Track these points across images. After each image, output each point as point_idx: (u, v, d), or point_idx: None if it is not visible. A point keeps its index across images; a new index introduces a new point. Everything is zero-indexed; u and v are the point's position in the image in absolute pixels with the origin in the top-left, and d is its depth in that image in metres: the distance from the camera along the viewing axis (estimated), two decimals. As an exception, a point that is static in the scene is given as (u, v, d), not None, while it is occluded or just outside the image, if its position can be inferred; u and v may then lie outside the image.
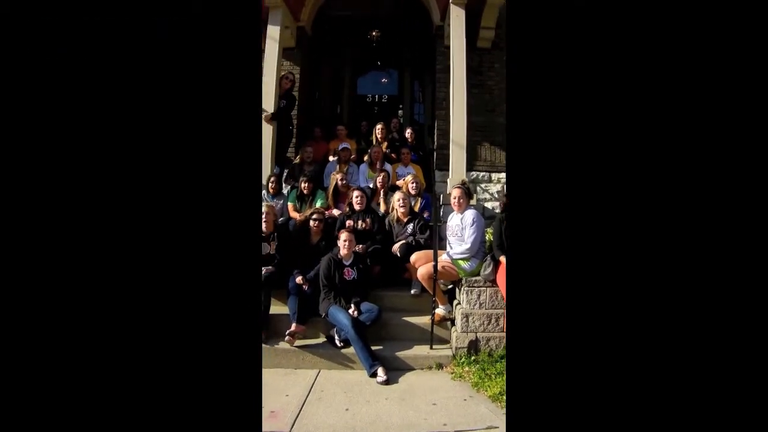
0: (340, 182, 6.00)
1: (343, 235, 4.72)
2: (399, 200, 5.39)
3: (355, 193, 5.48)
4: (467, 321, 4.46)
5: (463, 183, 5.11)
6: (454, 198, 4.88)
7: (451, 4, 6.05)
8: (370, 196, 5.77)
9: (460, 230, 4.76)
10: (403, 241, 5.17)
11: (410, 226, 5.32)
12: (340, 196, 6.01)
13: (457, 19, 6.02)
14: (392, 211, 5.50)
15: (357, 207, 5.41)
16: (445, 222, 5.17)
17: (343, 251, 4.69)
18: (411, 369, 4.24)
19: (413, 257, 4.91)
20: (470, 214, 4.75)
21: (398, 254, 5.07)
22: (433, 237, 4.79)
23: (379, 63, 10.12)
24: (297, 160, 6.78)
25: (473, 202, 5.80)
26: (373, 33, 9.44)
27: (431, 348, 4.45)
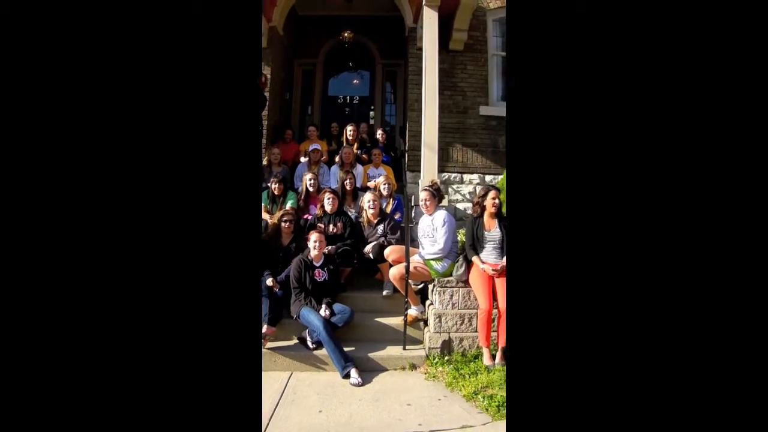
0: (309, 184, 5.93)
1: (313, 236, 4.66)
2: (369, 201, 5.36)
3: (327, 195, 5.42)
4: (440, 321, 4.46)
5: (432, 184, 5.11)
6: (422, 200, 4.88)
7: (425, 6, 6.05)
8: (341, 197, 5.72)
9: (431, 231, 4.76)
10: (375, 242, 5.14)
11: (380, 228, 5.30)
12: (311, 198, 5.96)
13: (429, 21, 6.03)
14: (362, 213, 5.47)
15: (329, 209, 5.35)
16: (417, 223, 5.16)
17: (313, 252, 4.64)
18: (384, 370, 4.21)
19: (387, 251, 4.90)
20: (440, 214, 4.75)
21: (371, 256, 5.05)
22: (405, 238, 4.78)
23: (350, 64, 10.09)
24: (265, 161, 6.69)
25: (444, 203, 5.82)
26: (345, 34, 9.42)
27: (404, 348, 4.43)
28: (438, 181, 5.63)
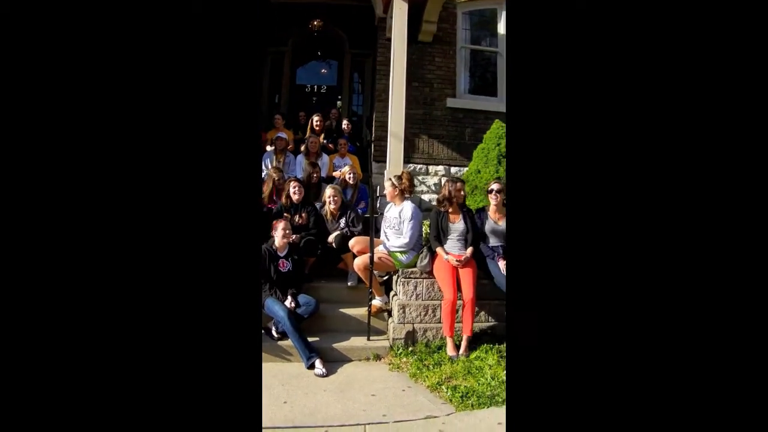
0: (275, 177, 5.84)
1: (281, 225, 4.63)
2: (330, 197, 5.35)
3: (292, 184, 5.38)
4: (404, 312, 4.49)
5: (401, 174, 5.07)
6: (387, 191, 4.90)
7: (394, -3, 6.04)
8: (307, 188, 5.68)
9: (398, 223, 4.75)
10: (338, 232, 5.15)
11: (342, 220, 5.31)
12: (278, 189, 5.90)
13: (399, 11, 6.01)
14: (325, 206, 5.45)
15: (295, 198, 5.33)
16: (383, 213, 5.17)
17: (278, 242, 4.61)
18: (349, 360, 4.23)
19: (351, 242, 4.89)
20: (408, 207, 4.74)
21: (334, 245, 5.05)
22: (370, 229, 4.79)
23: (319, 53, 10.01)
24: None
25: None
26: (315, 22, 9.32)
27: (368, 339, 4.46)
28: (407, 171, 5.63)
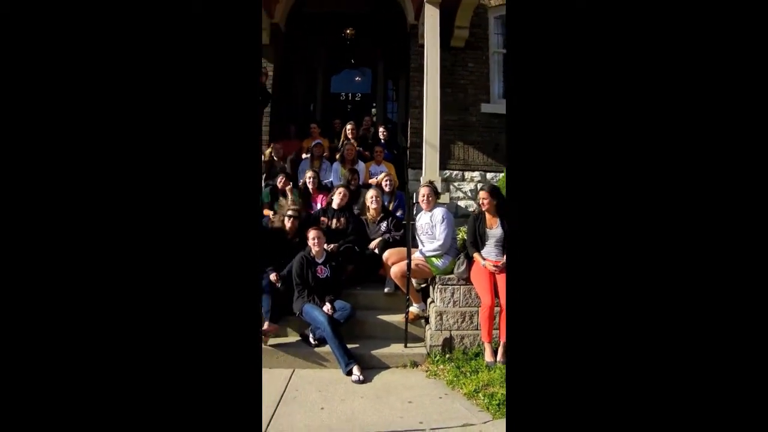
0: (309, 181, 5.94)
1: (311, 233, 4.67)
2: (371, 198, 5.39)
3: (340, 190, 5.48)
4: (441, 319, 4.47)
5: (430, 182, 5.12)
6: (423, 196, 4.89)
7: (426, 3, 6.06)
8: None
9: (430, 228, 4.77)
10: (380, 238, 5.18)
11: (384, 224, 5.33)
12: (311, 195, 5.99)
13: (431, 18, 6.05)
14: (365, 209, 5.48)
15: (336, 204, 5.39)
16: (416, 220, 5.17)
17: (314, 249, 4.65)
18: (386, 367, 4.23)
19: (386, 255, 4.91)
20: (439, 211, 4.76)
21: (376, 251, 5.08)
22: (407, 235, 4.80)
23: (352, 61, 10.08)
24: (266, 157, 6.68)
25: (446, 200, 5.83)
26: (348, 31, 9.40)
27: (406, 346, 4.44)
28: (439, 179, 5.65)
